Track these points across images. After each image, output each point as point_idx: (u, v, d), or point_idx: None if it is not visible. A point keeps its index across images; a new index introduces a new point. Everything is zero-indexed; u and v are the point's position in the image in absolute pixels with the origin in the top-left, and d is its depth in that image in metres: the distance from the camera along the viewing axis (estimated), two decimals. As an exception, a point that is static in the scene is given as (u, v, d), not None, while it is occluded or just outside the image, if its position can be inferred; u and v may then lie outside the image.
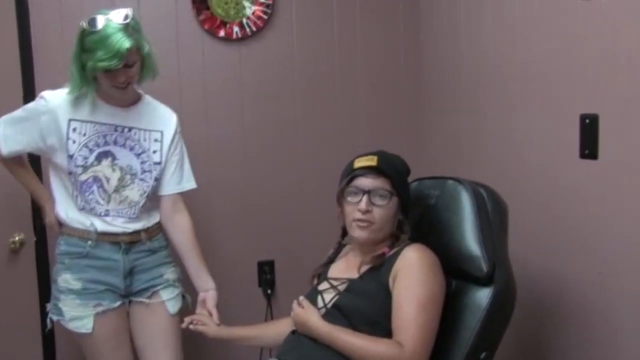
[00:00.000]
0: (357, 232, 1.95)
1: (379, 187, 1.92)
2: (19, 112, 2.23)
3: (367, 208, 1.90)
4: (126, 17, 2.04)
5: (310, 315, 1.88)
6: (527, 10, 2.21)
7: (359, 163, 1.96)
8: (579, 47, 1.96)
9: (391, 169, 1.95)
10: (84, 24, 2.02)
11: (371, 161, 1.94)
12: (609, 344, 1.91)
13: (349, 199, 1.96)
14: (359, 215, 1.92)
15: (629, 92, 1.77)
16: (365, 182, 1.93)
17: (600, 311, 1.94)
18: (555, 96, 2.09)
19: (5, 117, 2.24)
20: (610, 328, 1.90)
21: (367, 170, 1.94)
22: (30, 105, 2.23)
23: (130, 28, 2.05)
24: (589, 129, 1.91)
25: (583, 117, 1.94)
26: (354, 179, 1.95)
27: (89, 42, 2.02)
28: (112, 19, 2.02)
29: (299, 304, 1.93)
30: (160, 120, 2.30)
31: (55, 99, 2.17)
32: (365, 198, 1.91)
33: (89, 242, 2.21)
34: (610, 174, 1.86)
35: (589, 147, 1.92)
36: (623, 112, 1.80)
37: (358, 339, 1.80)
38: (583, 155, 1.95)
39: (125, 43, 2.00)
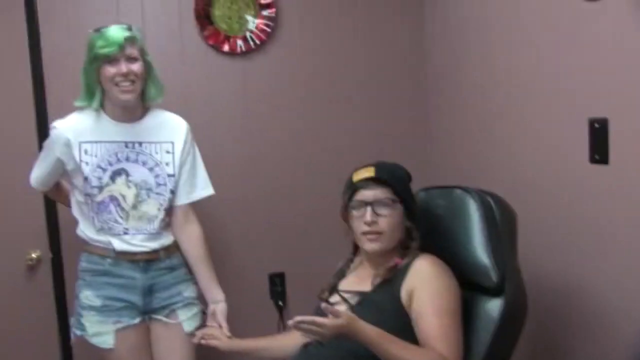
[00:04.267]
0: (368, 245, 1.94)
1: (381, 197, 1.92)
2: (41, 153, 2.33)
3: (373, 219, 1.90)
4: (128, 24, 2.19)
5: (353, 320, 1.71)
6: (533, 12, 2.19)
7: (358, 176, 1.97)
8: (586, 50, 1.94)
9: (390, 177, 1.95)
10: (90, 31, 2.17)
11: (369, 172, 1.95)
12: (626, 347, 1.87)
13: (353, 213, 1.96)
14: (366, 228, 1.92)
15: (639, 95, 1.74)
16: (366, 194, 1.93)
17: (615, 317, 1.91)
18: (564, 100, 2.06)
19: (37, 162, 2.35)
20: (626, 331, 1.87)
21: (367, 182, 1.94)
22: (47, 140, 2.29)
23: (133, 29, 2.18)
24: (599, 133, 1.89)
25: (592, 122, 1.91)
26: (355, 192, 1.96)
27: (91, 41, 2.15)
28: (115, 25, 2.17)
29: (330, 311, 1.70)
30: (170, 130, 2.32)
31: (64, 125, 2.23)
32: (369, 209, 1.91)
33: (108, 260, 2.24)
34: (621, 179, 1.83)
35: (599, 152, 1.89)
36: (634, 116, 1.77)
37: (406, 350, 1.73)
38: (593, 160, 1.93)
39: (125, 33, 2.13)
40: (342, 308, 1.91)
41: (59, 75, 2.64)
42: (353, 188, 1.96)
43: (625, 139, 1.82)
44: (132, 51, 2.15)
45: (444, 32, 2.85)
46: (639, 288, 1.81)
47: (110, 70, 2.13)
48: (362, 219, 1.92)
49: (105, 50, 2.10)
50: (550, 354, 2.22)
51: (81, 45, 2.22)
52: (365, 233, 1.93)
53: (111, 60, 2.12)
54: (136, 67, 2.15)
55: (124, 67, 2.12)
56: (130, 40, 2.14)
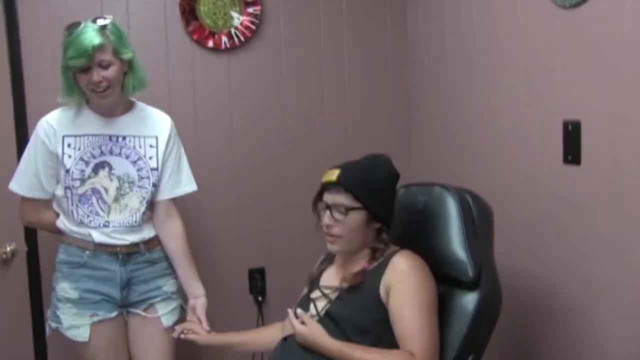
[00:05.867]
0: (329, 246, 1.98)
1: (338, 203, 1.92)
2: (25, 156, 2.26)
3: (329, 222, 1.93)
4: (103, 20, 2.12)
5: (317, 333, 1.85)
6: (510, 18, 2.24)
7: (325, 177, 1.97)
8: (561, 55, 2.00)
9: (353, 182, 1.92)
10: (64, 30, 2.12)
11: (332, 175, 1.94)
12: (594, 344, 1.94)
13: (320, 212, 1.99)
14: (325, 230, 1.95)
15: (611, 99, 1.81)
16: (328, 197, 1.95)
17: (585, 312, 1.97)
18: (539, 102, 2.12)
19: (17, 170, 2.27)
20: (594, 328, 1.93)
21: (330, 185, 1.94)
22: (33, 137, 2.25)
23: (106, 30, 2.11)
24: (572, 135, 1.95)
25: (566, 124, 1.97)
26: (322, 193, 1.98)
27: (65, 44, 2.11)
28: (88, 23, 2.11)
29: (298, 318, 1.89)
30: (154, 125, 2.31)
31: (48, 120, 2.22)
32: (327, 213, 1.94)
33: (87, 252, 2.22)
34: (593, 179, 1.89)
35: (572, 152, 1.96)
36: (605, 118, 1.83)
37: (370, 354, 1.80)
38: (566, 161, 1.99)
39: (94, 40, 2.07)
40: (322, 303, 1.97)
41: (39, 70, 2.60)
42: (321, 188, 1.99)
43: (596, 141, 1.88)
44: (104, 57, 2.10)
45: (425, 35, 2.89)
46: (607, 285, 1.87)
47: (84, 78, 2.11)
48: (324, 220, 1.96)
49: (75, 62, 2.07)
50: (523, 347, 2.28)
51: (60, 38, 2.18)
52: (325, 234, 1.96)
53: (83, 69, 2.10)
54: (109, 73, 2.11)
55: (95, 76, 2.09)
56: (100, 48, 2.08)
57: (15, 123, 2.61)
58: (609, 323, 1.87)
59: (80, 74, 2.11)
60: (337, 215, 1.92)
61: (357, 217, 1.92)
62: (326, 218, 1.93)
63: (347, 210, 1.91)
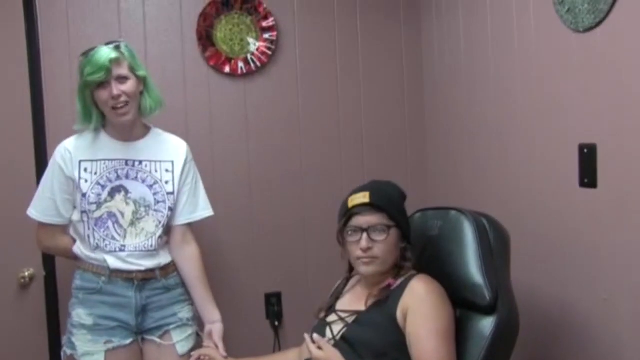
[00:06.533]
0: (363, 269, 1.96)
1: (376, 223, 1.92)
2: (41, 185, 2.28)
3: (368, 245, 1.91)
4: (115, 42, 2.18)
5: (334, 358, 1.84)
6: (524, 42, 2.25)
7: (353, 201, 1.96)
8: (576, 78, 2.00)
9: (385, 202, 1.95)
10: (80, 55, 2.18)
11: (364, 198, 1.94)
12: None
13: (349, 238, 1.97)
14: (361, 254, 1.93)
15: (627, 122, 1.80)
16: (361, 220, 1.94)
17: (603, 337, 1.95)
18: (554, 126, 2.11)
19: (35, 196, 2.29)
20: (614, 352, 1.91)
21: (362, 208, 1.94)
22: (51, 164, 2.27)
23: (120, 48, 2.17)
24: (588, 158, 1.94)
25: (582, 147, 1.97)
26: (350, 218, 1.96)
27: (81, 65, 2.16)
28: (102, 45, 2.16)
29: (315, 343, 1.89)
30: (170, 150, 2.33)
31: (66, 146, 2.25)
32: (364, 236, 1.92)
33: (103, 278, 2.22)
34: (609, 203, 1.88)
35: (588, 176, 1.95)
36: (621, 141, 1.83)
37: None
38: (582, 184, 1.98)
39: (111, 54, 2.12)
40: (338, 327, 1.96)
41: (59, 98, 2.65)
42: (348, 214, 1.97)
43: (613, 164, 1.87)
44: (121, 71, 2.15)
45: (439, 60, 2.91)
46: (626, 309, 1.85)
47: (102, 94, 2.14)
48: (357, 244, 1.93)
49: (94, 77, 2.11)
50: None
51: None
52: (360, 258, 1.94)
53: (102, 84, 2.14)
54: (127, 87, 2.16)
55: (114, 89, 2.13)
56: (117, 61, 2.14)
57: (35, 150, 2.65)
58: (629, 346, 1.85)
59: (99, 90, 2.14)
60: (376, 236, 1.92)
61: (395, 235, 1.94)
62: (364, 241, 1.91)
63: (388, 228, 1.92)
